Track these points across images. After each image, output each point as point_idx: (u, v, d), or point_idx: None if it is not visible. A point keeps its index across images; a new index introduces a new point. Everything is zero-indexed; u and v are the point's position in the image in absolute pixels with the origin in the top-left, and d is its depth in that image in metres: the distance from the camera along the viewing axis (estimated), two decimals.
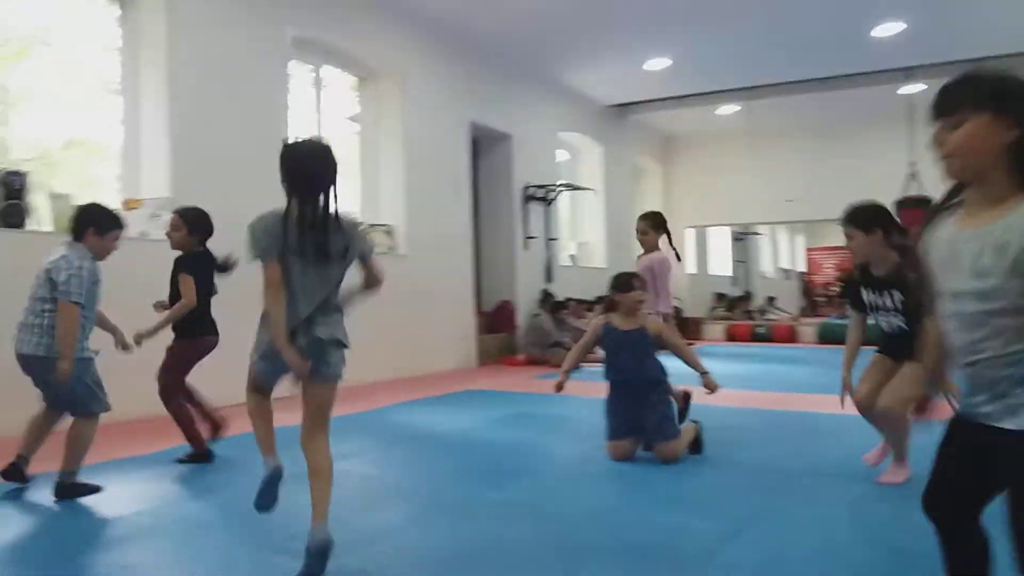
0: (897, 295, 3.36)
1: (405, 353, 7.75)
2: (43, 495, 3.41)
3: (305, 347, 2.59)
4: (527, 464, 4.09)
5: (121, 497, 3.42)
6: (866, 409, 3.48)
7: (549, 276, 10.39)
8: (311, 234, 2.50)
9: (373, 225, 7.83)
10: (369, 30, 7.64)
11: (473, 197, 9.38)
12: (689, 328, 12.64)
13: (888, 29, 8.76)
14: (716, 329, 13.26)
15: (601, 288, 11.21)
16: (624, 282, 4.18)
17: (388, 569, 2.57)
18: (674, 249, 5.13)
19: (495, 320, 9.54)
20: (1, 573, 2.54)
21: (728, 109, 12.07)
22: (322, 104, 7.60)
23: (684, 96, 11.43)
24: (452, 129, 8.79)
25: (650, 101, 11.85)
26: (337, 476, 3.81)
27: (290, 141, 2.65)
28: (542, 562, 2.63)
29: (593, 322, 4.36)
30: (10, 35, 5.99)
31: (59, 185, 6.01)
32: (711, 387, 4.04)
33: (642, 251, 5.08)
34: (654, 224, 5.02)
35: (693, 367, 4.11)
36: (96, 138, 6.40)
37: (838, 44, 9.26)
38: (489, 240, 9.89)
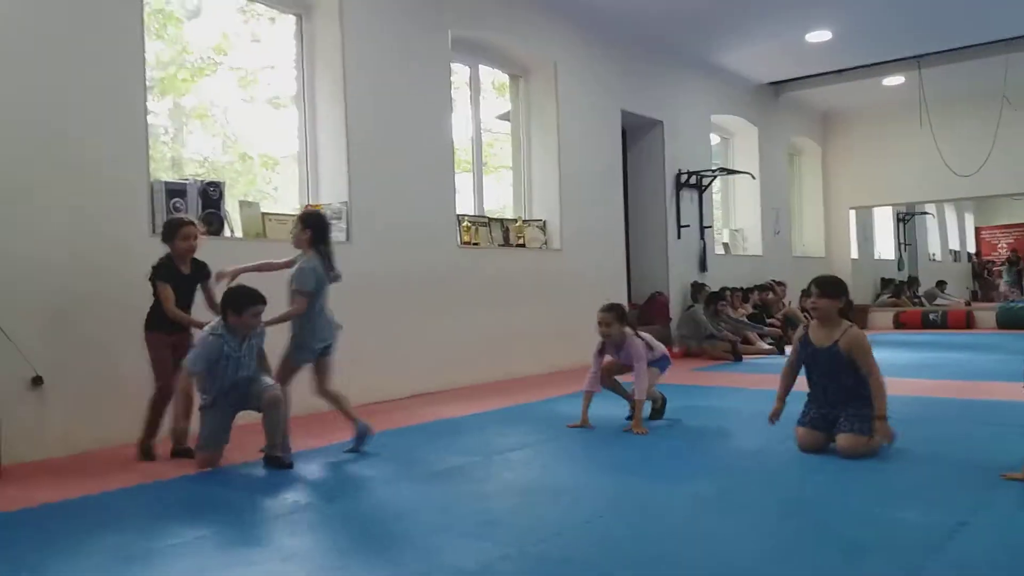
0: None
1: (560, 347, 7.82)
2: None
3: (333, 335, 4.36)
4: (709, 459, 4.03)
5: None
6: None
7: (703, 266, 10.16)
8: (331, 270, 4.38)
9: (527, 221, 7.95)
10: (521, 26, 7.74)
11: (624, 186, 9.31)
12: (854, 317, 11.99)
13: None
14: (884, 317, 12.52)
15: (756, 276, 10.91)
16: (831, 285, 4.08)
17: (605, 555, 2.60)
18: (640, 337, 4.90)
19: (648, 312, 9.43)
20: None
21: (894, 80, 11.32)
22: (479, 102, 7.78)
23: (846, 69, 10.83)
24: (603, 119, 8.76)
25: (809, 77, 11.31)
26: (519, 464, 3.95)
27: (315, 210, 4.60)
28: (752, 551, 2.58)
29: (796, 334, 4.29)
30: (191, 56, 6.51)
31: (245, 195, 6.49)
32: (886, 437, 3.81)
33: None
34: (618, 316, 4.83)
35: (876, 402, 3.83)
36: (275, 148, 6.86)
37: None
38: (641, 230, 9.79)
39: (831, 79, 11.16)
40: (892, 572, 2.36)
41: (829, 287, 4.06)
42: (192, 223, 4.41)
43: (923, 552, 2.50)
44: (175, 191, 5.13)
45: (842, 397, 3.95)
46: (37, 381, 4.26)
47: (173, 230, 4.31)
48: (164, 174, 5.61)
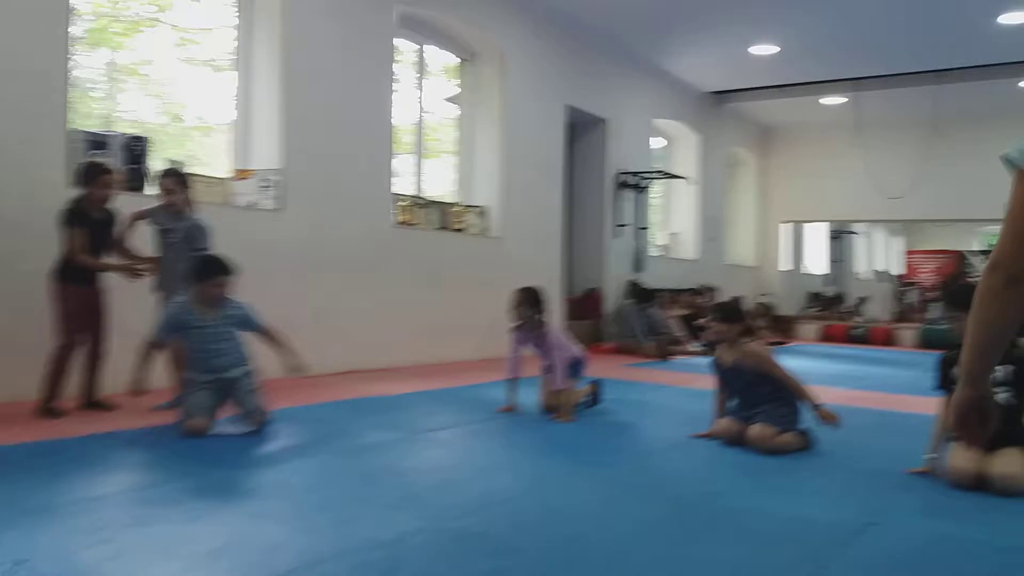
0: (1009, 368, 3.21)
1: (493, 334, 7.73)
2: None
3: None
4: (629, 447, 4.04)
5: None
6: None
7: (638, 265, 10.23)
8: None
9: (467, 207, 7.86)
10: (472, 10, 7.65)
11: (567, 181, 9.30)
12: (782, 326, 12.29)
13: (1016, 17, 8.25)
14: (810, 328, 12.84)
15: (690, 280, 11.05)
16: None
17: (521, 531, 2.57)
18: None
19: (583, 307, 9.46)
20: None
21: (834, 100, 11.63)
22: (424, 84, 7.66)
23: (789, 85, 11.05)
24: (548, 111, 8.73)
25: (752, 89, 11.51)
26: (444, 443, 3.89)
27: None
28: (662, 535, 2.56)
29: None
30: (127, 12, 6.22)
31: (173, 155, 6.23)
32: (830, 420, 3.91)
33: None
34: (526, 299, 4.80)
35: (803, 398, 3.97)
36: (209, 113, 6.61)
37: (959, 33, 8.78)
38: (580, 225, 9.81)
39: (772, 93, 11.39)
40: (798, 563, 2.37)
41: (725, 313, 4.21)
42: (111, 171, 4.23)
43: (830, 547, 2.52)
44: (96, 143, 4.88)
45: (760, 401, 4.03)
46: None
47: (93, 175, 4.12)
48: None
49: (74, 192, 4.23)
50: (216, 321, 3.92)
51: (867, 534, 2.65)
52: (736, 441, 3.99)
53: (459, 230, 7.64)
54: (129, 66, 6.67)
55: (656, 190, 11.38)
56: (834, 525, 2.74)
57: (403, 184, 7.38)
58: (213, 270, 3.93)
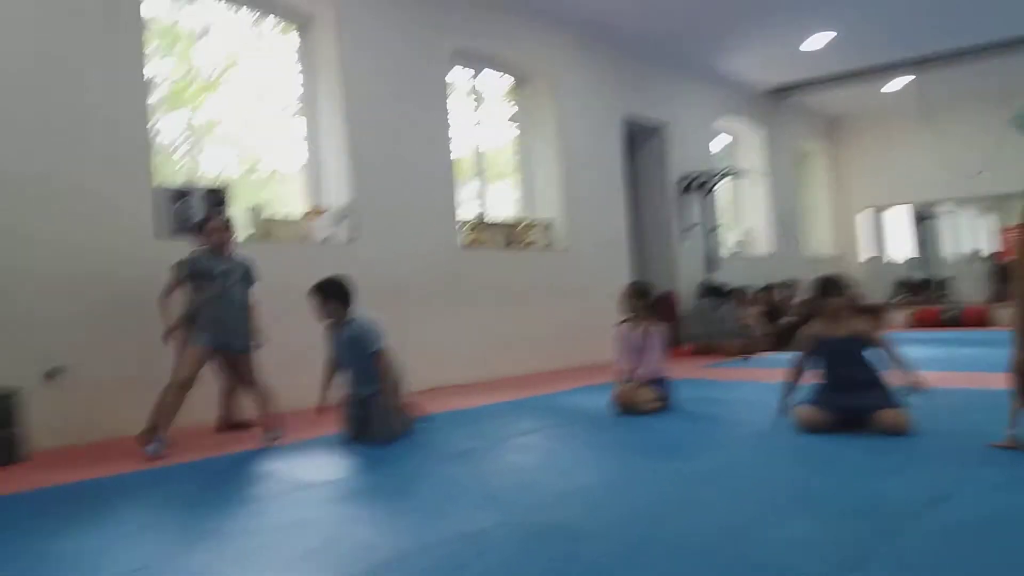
0: None
1: (565, 345, 7.88)
2: None
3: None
4: (712, 440, 4.08)
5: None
6: None
7: (711, 265, 10.19)
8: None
9: (531, 223, 8.03)
10: (522, 35, 7.87)
11: (631, 190, 9.38)
12: (868, 315, 11.94)
13: None
14: (899, 316, 12.46)
15: (767, 276, 10.91)
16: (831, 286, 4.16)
17: (594, 521, 2.68)
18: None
19: (657, 311, 9.45)
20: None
21: (897, 84, 11.34)
22: (481, 108, 7.90)
23: (847, 74, 10.85)
24: (604, 123, 8.85)
25: (810, 83, 11.35)
26: (525, 448, 4.03)
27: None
28: (738, 516, 2.63)
29: (804, 333, 4.31)
30: (199, 73, 6.67)
31: (252, 200, 6.62)
32: (921, 385, 3.94)
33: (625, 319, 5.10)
34: (636, 292, 5.16)
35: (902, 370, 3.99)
36: (281, 157, 7.00)
37: None
38: (648, 231, 9.85)
39: (833, 84, 11.19)
40: (867, 537, 2.40)
41: (830, 287, 4.17)
42: (224, 222, 4.72)
43: (901, 520, 2.53)
44: (179, 196, 5.27)
45: (859, 384, 4.01)
46: (54, 373, 4.39)
47: (203, 226, 4.61)
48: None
49: (163, 245, 4.62)
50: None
51: (940, 507, 2.65)
52: (822, 429, 3.96)
53: (526, 246, 7.81)
54: (206, 123, 7.15)
55: (726, 189, 11.31)
56: (908, 500, 2.74)
57: (467, 208, 7.61)
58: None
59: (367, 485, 3.41)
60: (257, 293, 4.66)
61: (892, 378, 4.00)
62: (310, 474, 3.65)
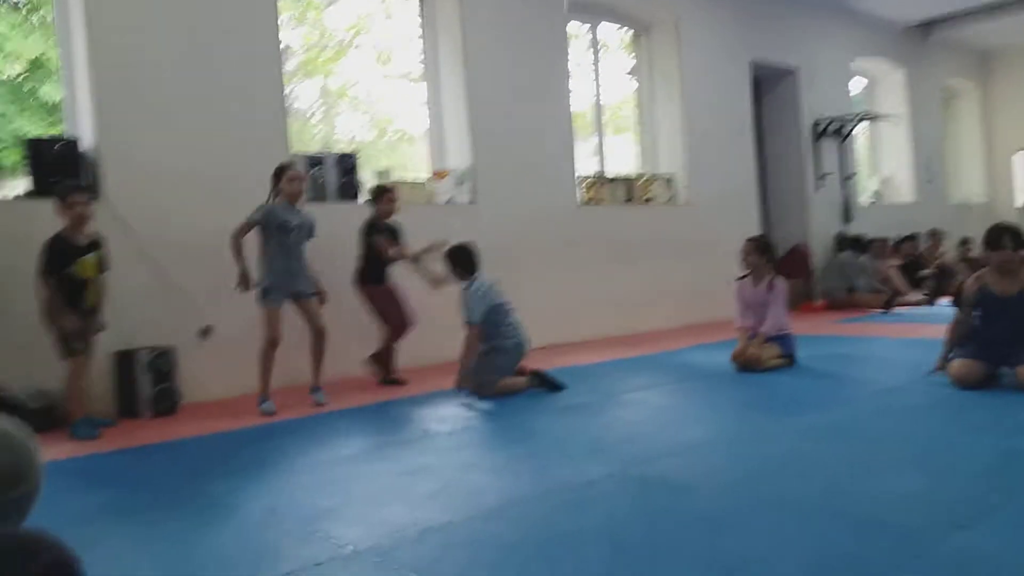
0: None
1: (689, 302, 7.80)
2: None
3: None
4: (830, 396, 4.02)
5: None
6: None
7: (847, 216, 9.73)
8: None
9: (652, 177, 7.94)
10: None
11: (757, 139, 9.06)
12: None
13: None
14: None
15: (908, 226, 10.31)
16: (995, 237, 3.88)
17: (699, 475, 2.76)
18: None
19: (787, 266, 9.16)
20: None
21: None
22: (600, 61, 7.83)
23: (1003, 4, 9.94)
24: (731, 71, 8.55)
25: (960, 15, 10.47)
26: (637, 403, 4.11)
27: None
28: (847, 472, 2.63)
29: (966, 286, 4.09)
30: (332, 41, 6.99)
31: (380, 164, 6.93)
32: None
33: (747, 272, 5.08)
34: (757, 247, 5.06)
35: None
36: (409, 123, 7.26)
37: None
38: (778, 182, 9.49)
39: (985, 15, 10.27)
40: (982, 495, 2.34)
41: (1004, 237, 3.86)
42: (392, 190, 5.20)
43: (1020, 477, 2.45)
44: (314, 163, 5.57)
45: (1018, 341, 3.80)
46: (206, 332, 4.83)
47: (379, 194, 5.13)
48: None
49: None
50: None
51: None
52: (978, 384, 3.82)
53: (647, 201, 7.75)
54: (339, 89, 7.50)
55: (863, 134, 10.71)
56: None
57: (587, 164, 7.62)
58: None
59: (484, 436, 3.61)
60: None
61: None
62: (434, 424, 3.89)
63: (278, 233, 4.41)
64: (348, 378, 5.29)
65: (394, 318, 5.09)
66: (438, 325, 5.41)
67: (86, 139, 4.69)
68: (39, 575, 1.09)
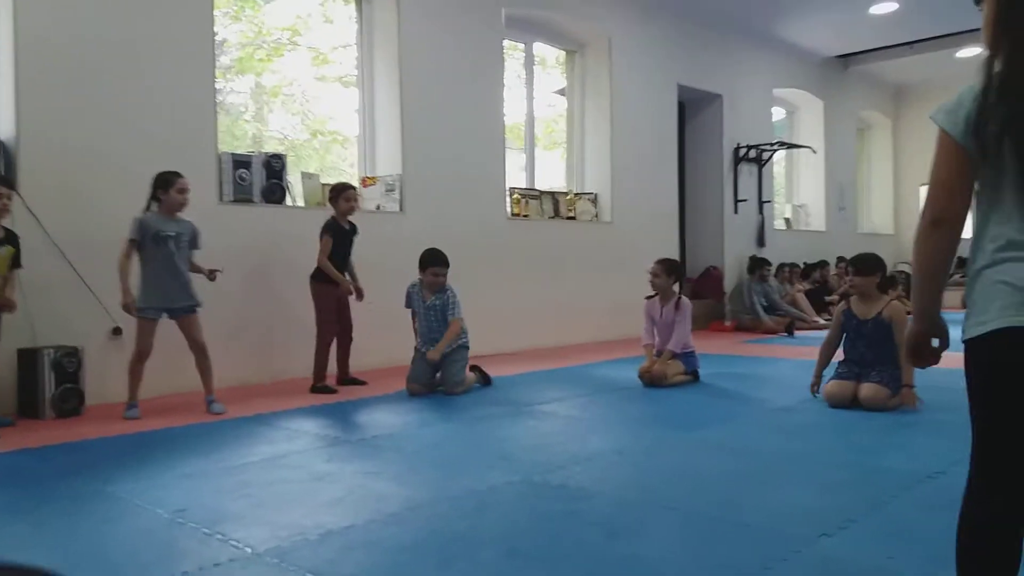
0: None
1: (609, 318, 8.02)
2: None
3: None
4: (727, 413, 4.23)
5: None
6: None
7: (761, 241, 10.14)
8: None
9: (578, 194, 8.14)
10: (577, 2, 7.90)
11: (680, 161, 9.38)
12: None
13: None
14: (953, 296, 12.17)
15: (819, 253, 10.80)
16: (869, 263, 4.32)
17: (598, 483, 2.89)
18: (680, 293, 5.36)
19: (701, 286, 9.51)
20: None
21: (969, 52, 10.95)
22: (532, 80, 8.00)
23: (918, 41, 10.54)
24: (659, 93, 8.84)
25: (877, 49, 11.06)
26: (547, 415, 4.24)
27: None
28: (735, 483, 2.80)
29: (836, 310, 4.58)
30: (268, 39, 6.95)
31: (317, 169, 6.92)
32: (910, 403, 4.12)
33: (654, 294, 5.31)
34: (667, 268, 5.28)
35: (904, 371, 4.15)
36: (343, 126, 7.26)
37: None
38: (697, 204, 9.84)
39: (901, 51, 10.87)
40: (857, 504, 2.55)
41: (864, 265, 4.32)
42: (352, 188, 5.26)
43: (893, 490, 2.68)
44: (241, 163, 5.54)
45: (876, 361, 4.22)
46: (116, 331, 4.75)
47: (337, 194, 5.17)
48: (246, 150, 6.02)
49: (227, 209, 4.97)
50: (433, 305, 4.99)
51: (934, 480, 2.77)
52: (845, 403, 4.17)
53: (571, 218, 7.94)
54: (272, 88, 7.45)
55: (780, 161, 11.18)
56: (905, 473, 2.87)
57: (516, 178, 7.77)
58: (436, 260, 4.99)
59: (393, 444, 3.66)
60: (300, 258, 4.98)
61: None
62: (343, 432, 3.93)
63: (153, 245, 4.32)
64: (288, 380, 5.35)
65: (325, 322, 5.12)
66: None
67: (4, 128, 4.57)
68: None
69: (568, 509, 2.59)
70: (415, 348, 5.09)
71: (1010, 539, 1.43)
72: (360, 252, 5.40)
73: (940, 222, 1.47)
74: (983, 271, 1.45)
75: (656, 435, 3.72)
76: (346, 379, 5.28)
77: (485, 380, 5.23)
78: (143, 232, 4.32)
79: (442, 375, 4.95)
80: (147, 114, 4.97)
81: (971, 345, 1.46)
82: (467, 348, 5.08)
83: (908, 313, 4.09)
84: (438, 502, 2.67)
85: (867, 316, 4.26)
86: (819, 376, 4.46)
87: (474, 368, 5.22)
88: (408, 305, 5.18)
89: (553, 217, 7.78)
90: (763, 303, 8.96)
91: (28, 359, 4.35)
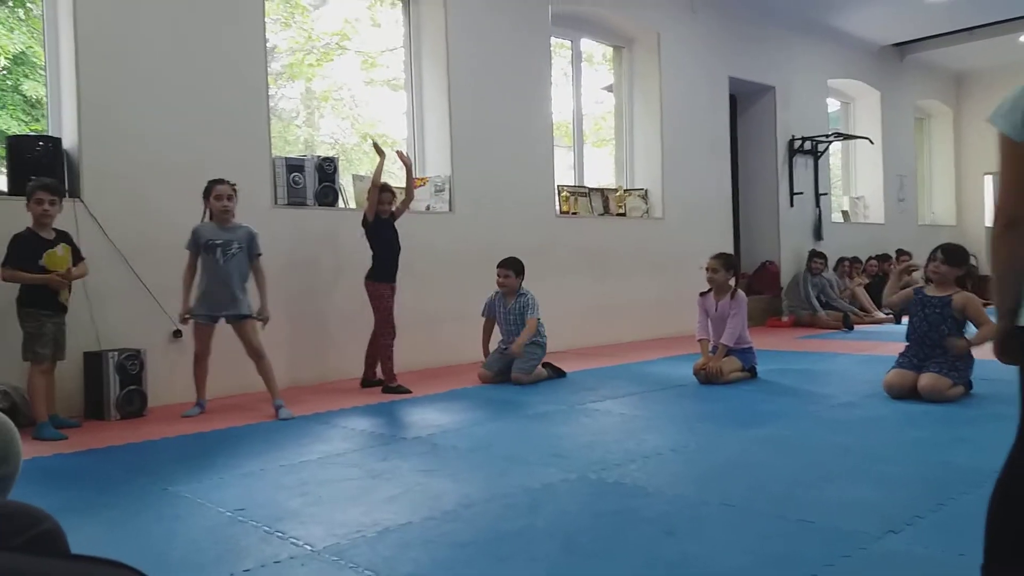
0: None
1: (661, 315, 7.93)
2: None
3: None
4: (785, 409, 4.14)
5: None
6: None
7: (818, 234, 9.92)
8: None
9: (628, 190, 8.07)
10: None
11: (732, 155, 9.23)
12: (988, 289, 11.35)
13: None
14: None
15: (877, 246, 10.52)
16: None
17: (655, 481, 2.86)
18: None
19: (757, 281, 9.34)
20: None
21: None
22: (580, 77, 7.96)
23: (977, 27, 10.19)
24: (709, 87, 8.72)
25: (934, 37, 10.73)
26: (602, 412, 4.20)
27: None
28: (794, 480, 2.74)
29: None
30: (318, 44, 7.07)
31: (358, 170, 7.00)
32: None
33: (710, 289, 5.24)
34: (724, 263, 5.19)
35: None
36: (385, 129, 7.34)
37: None
38: (751, 198, 9.68)
39: (960, 38, 10.53)
40: (919, 502, 2.46)
41: (955, 255, 4.27)
42: (391, 189, 5.23)
43: (957, 488, 2.58)
44: (294, 167, 5.63)
45: (937, 345, 4.14)
46: (177, 334, 4.87)
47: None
48: (298, 154, 6.12)
49: (280, 212, 5.08)
50: (511, 308, 5.40)
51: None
52: (905, 393, 4.10)
53: (621, 214, 7.88)
54: (323, 93, 7.57)
55: (836, 153, 10.92)
56: (971, 469, 2.77)
57: (565, 176, 7.74)
58: (504, 263, 5.40)
59: (448, 442, 3.67)
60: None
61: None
62: (400, 430, 3.97)
63: (205, 252, 4.42)
64: (341, 379, 5.43)
65: (386, 323, 5.12)
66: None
67: (68, 137, 4.72)
68: (38, 537, 1.14)
69: (624, 507, 2.56)
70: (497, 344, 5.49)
71: None
72: (409, 252, 5.42)
73: (1015, 223, 1.48)
74: None
75: (713, 432, 3.66)
76: (374, 381, 5.26)
77: (558, 373, 5.44)
78: (195, 241, 4.45)
79: (514, 364, 5.22)
80: (203, 121, 5.08)
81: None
82: (541, 346, 5.37)
83: (985, 304, 4.01)
84: (494, 499, 2.66)
85: (936, 294, 4.23)
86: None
87: (546, 365, 5.42)
88: (484, 313, 5.55)
89: (603, 214, 7.73)
90: (821, 298, 8.76)
91: (93, 362, 4.48)
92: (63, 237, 4.13)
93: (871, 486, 2.67)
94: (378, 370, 5.23)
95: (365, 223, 5.15)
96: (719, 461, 3.12)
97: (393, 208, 5.22)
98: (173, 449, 3.69)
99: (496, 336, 5.59)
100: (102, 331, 4.60)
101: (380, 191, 5.09)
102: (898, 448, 3.22)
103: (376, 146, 5.23)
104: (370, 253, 5.17)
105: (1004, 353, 1.61)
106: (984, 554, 1.58)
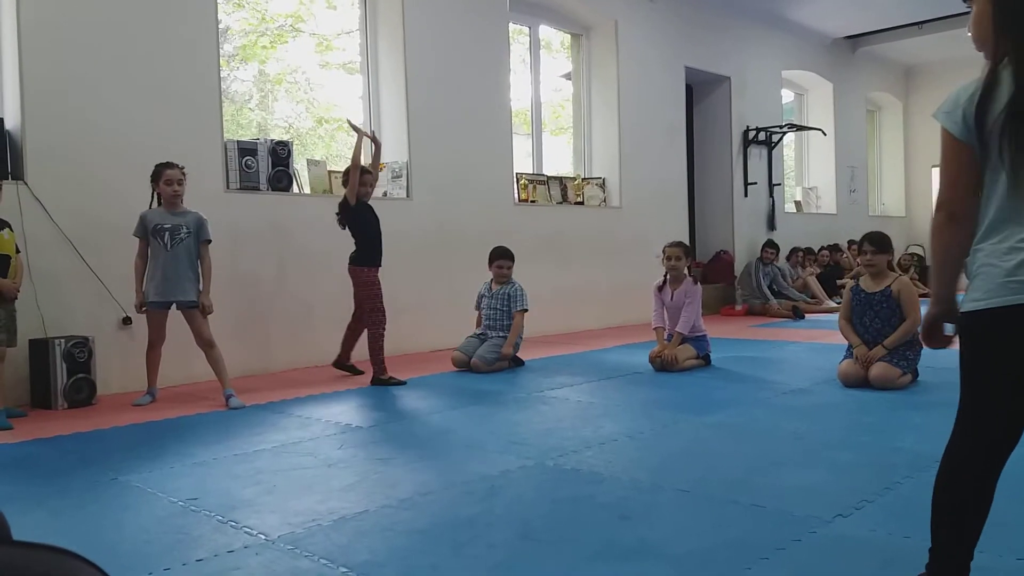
0: None
1: (618, 303, 7.99)
2: None
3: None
4: (738, 396, 4.20)
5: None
6: None
7: (771, 224, 10.08)
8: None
9: (585, 179, 8.10)
10: None
11: (688, 144, 9.32)
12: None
13: None
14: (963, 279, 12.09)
15: (829, 236, 10.73)
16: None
17: (611, 467, 2.88)
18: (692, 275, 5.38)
19: (711, 271, 9.47)
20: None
21: None
22: (538, 64, 7.94)
23: (926, 21, 10.42)
24: (666, 76, 8.78)
25: (886, 30, 10.95)
26: (558, 400, 4.22)
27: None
28: (746, 466, 2.78)
29: (845, 289, 4.66)
30: (272, 26, 6.93)
31: (313, 155, 6.91)
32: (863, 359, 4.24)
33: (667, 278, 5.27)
34: (686, 252, 5.28)
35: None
36: (341, 114, 7.23)
37: None
38: (706, 188, 9.79)
39: (910, 32, 10.76)
40: (867, 486, 2.53)
41: (881, 243, 4.41)
42: (370, 172, 5.06)
43: (904, 472, 2.66)
44: (247, 150, 5.53)
45: (885, 335, 4.24)
46: (126, 321, 4.76)
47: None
48: (251, 138, 6.00)
49: (233, 197, 4.89)
50: (497, 294, 5.42)
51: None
52: (857, 382, 4.20)
53: (579, 203, 7.91)
54: (277, 76, 7.42)
55: (790, 144, 11.10)
56: (919, 454, 2.85)
57: (523, 163, 7.73)
58: (502, 254, 5.49)
59: (404, 430, 3.66)
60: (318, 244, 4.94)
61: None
62: (355, 419, 3.94)
63: (153, 238, 4.31)
64: (296, 369, 5.33)
65: (377, 310, 4.93)
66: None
67: (10, 118, 4.56)
68: None
69: (581, 493, 2.58)
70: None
71: (983, 481, 1.59)
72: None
73: (954, 216, 1.56)
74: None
75: (668, 419, 3.70)
76: (346, 365, 5.23)
77: (516, 362, 5.42)
78: (143, 227, 4.34)
79: (476, 351, 5.23)
80: (153, 103, 4.95)
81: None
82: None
83: (922, 295, 4.11)
84: (451, 487, 2.66)
85: (875, 290, 4.32)
86: (857, 343, 4.34)
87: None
88: (477, 307, 5.62)
89: (561, 202, 7.75)
90: (773, 287, 8.92)
91: (39, 350, 4.36)
92: (3, 223, 4.01)
93: (821, 471, 2.73)
94: (355, 357, 5.19)
95: (345, 207, 4.93)
96: (674, 447, 3.17)
97: (370, 189, 5.08)
98: (123, 438, 3.61)
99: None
100: (48, 317, 4.47)
101: (361, 172, 4.91)
102: (848, 434, 3.30)
103: (353, 124, 5.07)
104: (336, 239, 5.04)
105: (930, 338, 1.69)
106: (932, 538, 1.63)
